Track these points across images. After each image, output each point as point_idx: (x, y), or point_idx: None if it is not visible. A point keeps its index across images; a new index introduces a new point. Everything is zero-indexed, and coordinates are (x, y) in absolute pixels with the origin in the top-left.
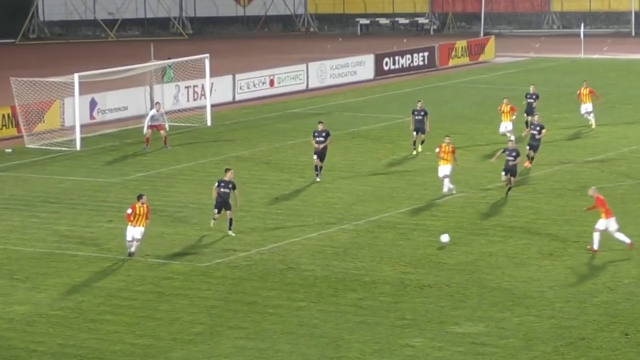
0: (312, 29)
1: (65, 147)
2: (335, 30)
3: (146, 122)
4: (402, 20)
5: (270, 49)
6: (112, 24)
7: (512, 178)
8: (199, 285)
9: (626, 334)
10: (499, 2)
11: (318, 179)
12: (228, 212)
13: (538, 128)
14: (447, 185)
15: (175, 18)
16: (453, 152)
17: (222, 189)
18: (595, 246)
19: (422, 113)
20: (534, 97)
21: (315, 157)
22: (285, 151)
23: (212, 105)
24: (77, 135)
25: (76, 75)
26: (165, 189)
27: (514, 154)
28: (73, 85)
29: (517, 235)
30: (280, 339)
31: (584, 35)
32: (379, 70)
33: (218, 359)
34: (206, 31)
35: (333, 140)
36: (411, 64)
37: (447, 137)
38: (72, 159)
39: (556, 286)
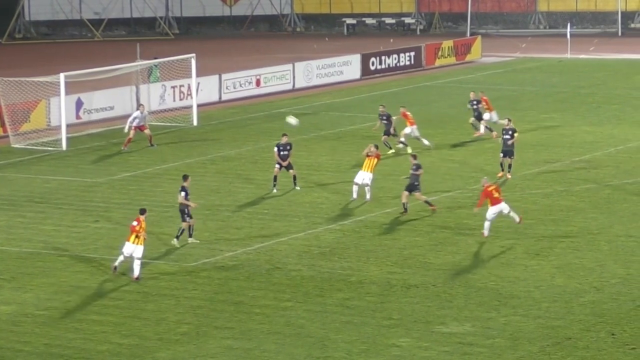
0: (298, 29)
1: (51, 146)
2: (322, 30)
3: (128, 123)
4: (388, 20)
5: (257, 49)
6: (98, 23)
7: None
8: (185, 285)
9: (612, 334)
10: (485, 2)
11: (275, 190)
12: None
13: (510, 132)
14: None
15: (161, 18)
16: (377, 158)
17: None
18: (486, 233)
19: (385, 117)
20: (474, 103)
21: (277, 167)
22: (272, 151)
23: (198, 105)
24: (63, 135)
25: (62, 75)
26: (152, 189)
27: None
28: (59, 85)
29: (503, 235)
30: (266, 339)
31: (571, 35)
32: (365, 70)
33: (204, 359)
34: (192, 31)
35: (320, 140)
36: (398, 64)
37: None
38: (58, 159)
39: (543, 286)
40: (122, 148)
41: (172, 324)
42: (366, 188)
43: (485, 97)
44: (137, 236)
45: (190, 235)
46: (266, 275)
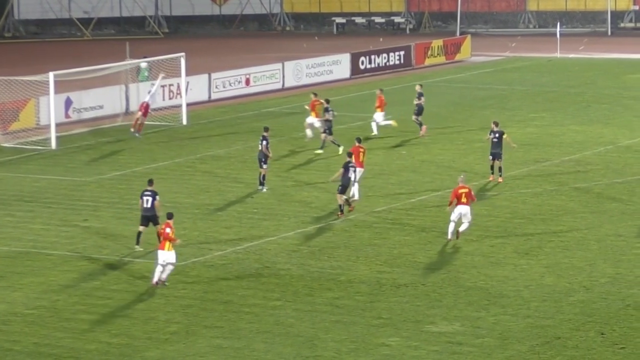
0: (288, 28)
1: (40, 146)
2: (311, 29)
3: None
4: (378, 20)
5: (246, 48)
6: (87, 22)
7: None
8: (174, 284)
9: (602, 333)
10: (475, 2)
11: (265, 189)
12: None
13: (498, 135)
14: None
15: (151, 17)
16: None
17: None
18: (449, 236)
19: (331, 111)
20: (423, 95)
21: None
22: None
23: (188, 104)
24: (52, 134)
25: (51, 74)
26: (141, 188)
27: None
28: (48, 84)
29: (493, 235)
30: (255, 338)
31: (560, 35)
32: (355, 70)
33: (194, 358)
34: (182, 30)
35: (310, 139)
36: (387, 63)
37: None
38: (48, 158)
39: (532, 285)
40: (135, 133)
41: (161, 323)
42: (354, 186)
43: (382, 96)
44: (170, 242)
45: (137, 243)
46: (255, 275)
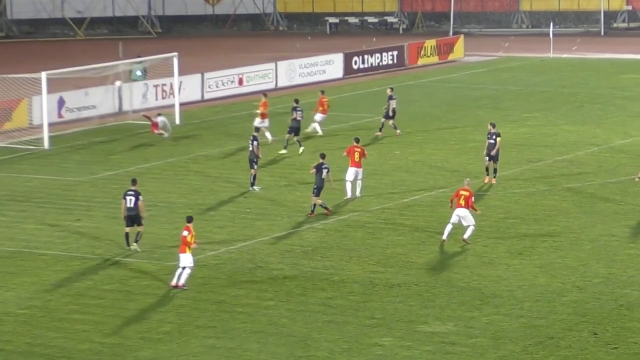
0: (281, 28)
1: (33, 145)
2: (305, 29)
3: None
4: (371, 19)
5: (239, 48)
6: (80, 22)
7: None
8: (167, 284)
9: (595, 333)
10: (468, 2)
11: (257, 189)
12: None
13: (494, 137)
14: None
15: (143, 17)
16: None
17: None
18: (445, 236)
19: (301, 110)
20: (395, 99)
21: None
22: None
23: (181, 104)
24: (45, 134)
25: (44, 74)
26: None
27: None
28: (41, 84)
29: (486, 235)
30: (249, 338)
31: (553, 35)
32: (348, 69)
33: (186, 358)
34: (175, 30)
35: (302, 139)
36: (380, 63)
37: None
38: (40, 158)
39: (525, 285)
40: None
41: (154, 323)
42: (358, 184)
43: (325, 99)
44: (189, 246)
45: (136, 241)
46: (249, 275)
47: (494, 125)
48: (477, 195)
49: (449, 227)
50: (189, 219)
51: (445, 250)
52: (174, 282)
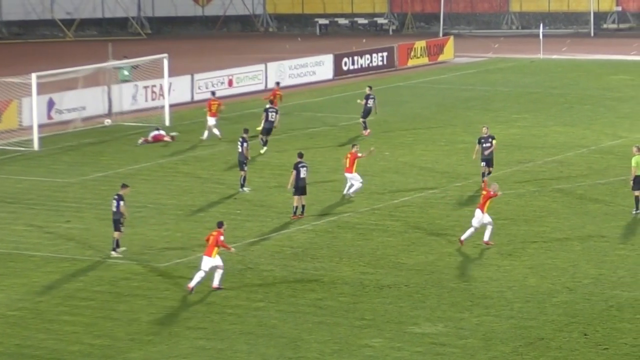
0: (271, 29)
1: (23, 147)
2: (294, 30)
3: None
4: (361, 21)
5: (229, 49)
6: (70, 23)
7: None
8: (157, 285)
9: (585, 334)
10: (457, 3)
11: (247, 190)
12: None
13: (490, 140)
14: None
15: (133, 18)
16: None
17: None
18: (464, 237)
19: (274, 111)
20: (372, 98)
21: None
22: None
23: (171, 105)
24: (35, 135)
25: (34, 75)
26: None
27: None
28: (30, 85)
29: (476, 236)
30: (238, 339)
31: (543, 36)
32: (338, 71)
33: (176, 359)
34: (165, 31)
35: (292, 140)
36: (370, 64)
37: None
38: (30, 159)
39: (515, 286)
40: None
41: (144, 324)
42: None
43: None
44: (217, 248)
45: (113, 248)
46: (238, 276)
47: (487, 128)
48: (471, 197)
49: (471, 231)
50: (220, 224)
51: (435, 251)
52: (192, 284)
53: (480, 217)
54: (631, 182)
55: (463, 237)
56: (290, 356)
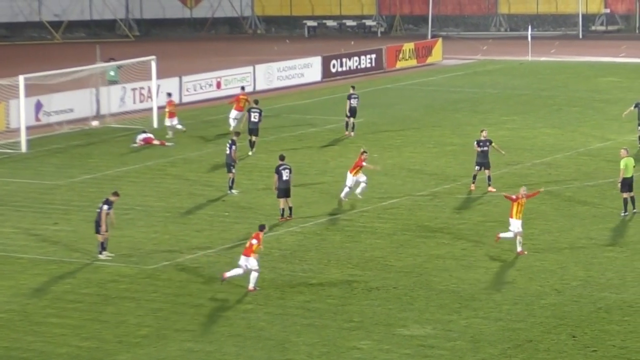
0: (259, 31)
1: (10, 149)
2: (283, 32)
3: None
4: (349, 23)
5: (217, 51)
6: (57, 25)
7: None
8: (145, 287)
9: (573, 336)
10: (446, 5)
11: (235, 192)
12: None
13: (488, 143)
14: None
15: (121, 20)
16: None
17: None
18: (503, 235)
19: (258, 112)
20: (355, 97)
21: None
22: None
23: (159, 107)
24: (23, 137)
25: (21, 77)
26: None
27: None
28: (18, 87)
29: (464, 238)
30: (227, 342)
31: (532, 38)
32: (326, 73)
33: None
34: (153, 33)
35: (281, 142)
36: (359, 66)
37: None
38: (18, 161)
39: (503, 288)
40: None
41: (132, 326)
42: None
43: (246, 96)
44: (253, 251)
45: (104, 248)
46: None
47: (486, 132)
48: (459, 199)
49: (509, 234)
50: (261, 227)
51: (423, 253)
52: (227, 275)
53: (516, 224)
54: (619, 185)
55: (501, 235)
56: (278, 358)
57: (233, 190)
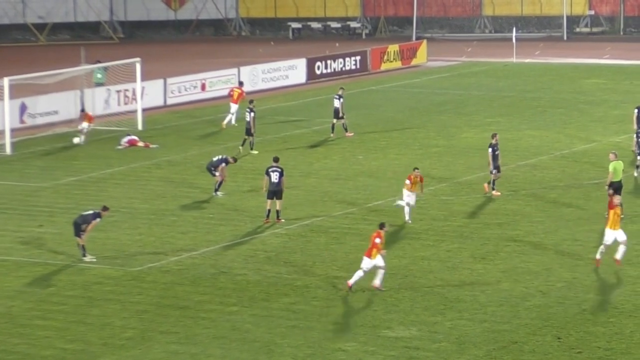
0: (243, 33)
1: None
2: (267, 34)
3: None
4: (334, 24)
5: (202, 53)
6: (42, 27)
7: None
8: (130, 289)
9: (558, 338)
10: (430, 6)
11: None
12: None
13: (498, 148)
14: (407, 212)
15: (105, 22)
16: (421, 180)
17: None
18: (598, 256)
19: (249, 111)
20: (340, 98)
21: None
22: (217, 155)
23: (143, 110)
24: (7, 140)
25: (6, 79)
26: (97, 194)
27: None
28: (3, 90)
29: (449, 239)
30: (212, 344)
31: (516, 40)
32: (310, 75)
33: None
34: (137, 35)
35: (265, 145)
36: (343, 68)
37: (416, 169)
38: (3, 164)
39: (488, 290)
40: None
41: (117, 328)
42: (407, 208)
43: (239, 89)
44: (377, 250)
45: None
46: (212, 280)
47: (497, 137)
48: (441, 201)
49: (603, 248)
50: (381, 226)
51: (408, 255)
52: (351, 282)
53: (612, 235)
54: (607, 187)
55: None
56: None
57: (218, 193)
